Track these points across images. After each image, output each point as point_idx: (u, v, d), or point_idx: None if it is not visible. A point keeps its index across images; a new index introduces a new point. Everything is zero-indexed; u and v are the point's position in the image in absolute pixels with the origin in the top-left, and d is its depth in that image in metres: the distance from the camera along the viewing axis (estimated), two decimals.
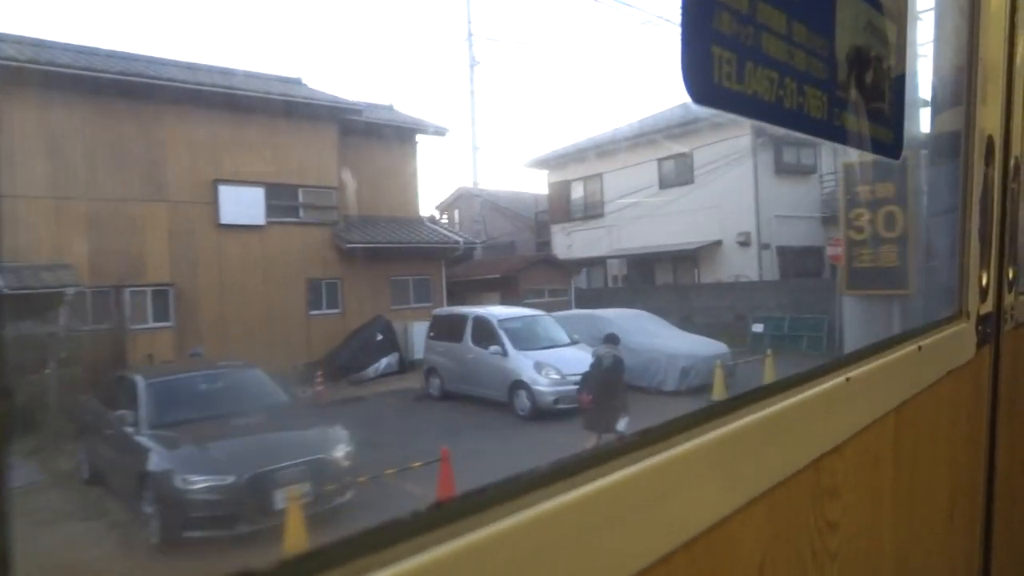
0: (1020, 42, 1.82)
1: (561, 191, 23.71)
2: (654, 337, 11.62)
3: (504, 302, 17.02)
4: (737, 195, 18.57)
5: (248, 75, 12.69)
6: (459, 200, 24.20)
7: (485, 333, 10.87)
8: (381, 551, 0.40)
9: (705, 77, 0.73)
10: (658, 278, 21.06)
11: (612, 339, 7.52)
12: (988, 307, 1.66)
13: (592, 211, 22.72)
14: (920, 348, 1.24)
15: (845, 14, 1.01)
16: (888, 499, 1.17)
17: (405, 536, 0.41)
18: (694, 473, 0.67)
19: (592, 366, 7.42)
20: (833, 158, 18.75)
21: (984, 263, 1.62)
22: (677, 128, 19.15)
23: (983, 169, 1.61)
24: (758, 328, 15.67)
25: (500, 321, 10.94)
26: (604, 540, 0.55)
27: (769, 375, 10.49)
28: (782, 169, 19.16)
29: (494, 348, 10.47)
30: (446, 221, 22.97)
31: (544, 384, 9.68)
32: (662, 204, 20.01)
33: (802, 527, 0.88)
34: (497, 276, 18.15)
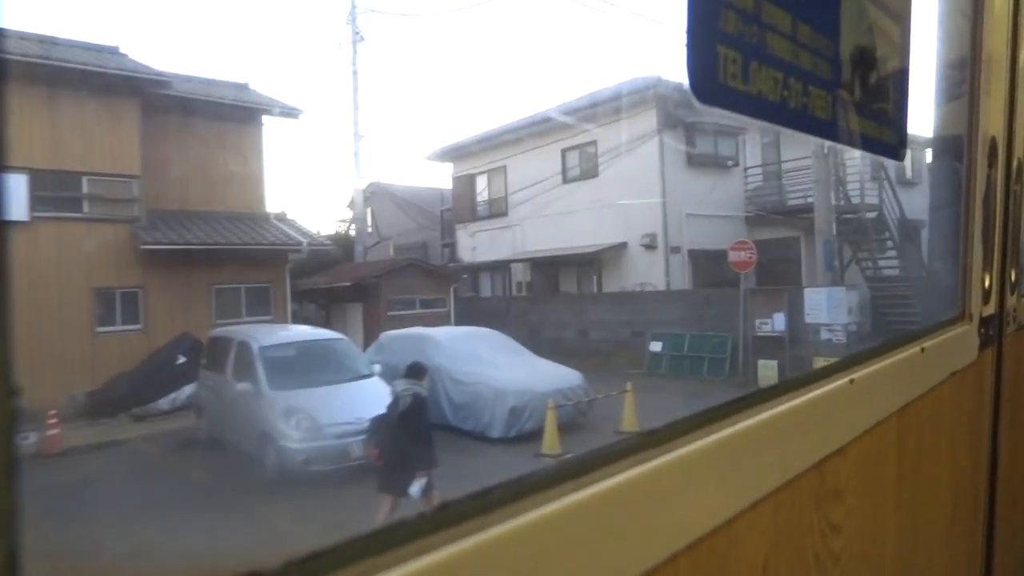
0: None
1: (465, 186, 20.68)
2: (489, 366, 9.26)
3: (367, 315, 14.90)
4: (643, 190, 15.66)
5: (45, 39, 10.03)
6: (374, 197, 21.56)
7: (244, 364, 8.23)
8: (386, 553, 0.39)
9: (710, 76, 0.72)
10: (562, 285, 18.48)
11: (415, 371, 5.73)
12: (991, 309, 1.66)
13: (496, 209, 19.78)
14: (923, 350, 1.24)
15: (849, 14, 1.01)
16: (891, 501, 1.17)
17: (410, 538, 0.41)
18: (698, 475, 0.66)
19: (388, 408, 5.66)
20: (760, 149, 16.78)
21: (987, 265, 1.62)
22: (586, 111, 16.10)
23: (986, 171, 1.61)
24: (656, 347, 13.61)
25: (263, 348, 8.20)
26: (608, 542, 0.55)
27: (628, 420, 8.42)
28: (697, 161, 16.18)
29: (244, 385, 7.97)
30: (368, 220, 20.41)
31: (293, 438, 7.10)
32: (569, 200, 17.14)
33: (805, 529, 0.88)
34: (348, 284, 15.47)
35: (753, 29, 0.78)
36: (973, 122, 1.58)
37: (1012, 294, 1.86)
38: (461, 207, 20.91)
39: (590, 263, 17.08)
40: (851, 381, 0.96)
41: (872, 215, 14.75)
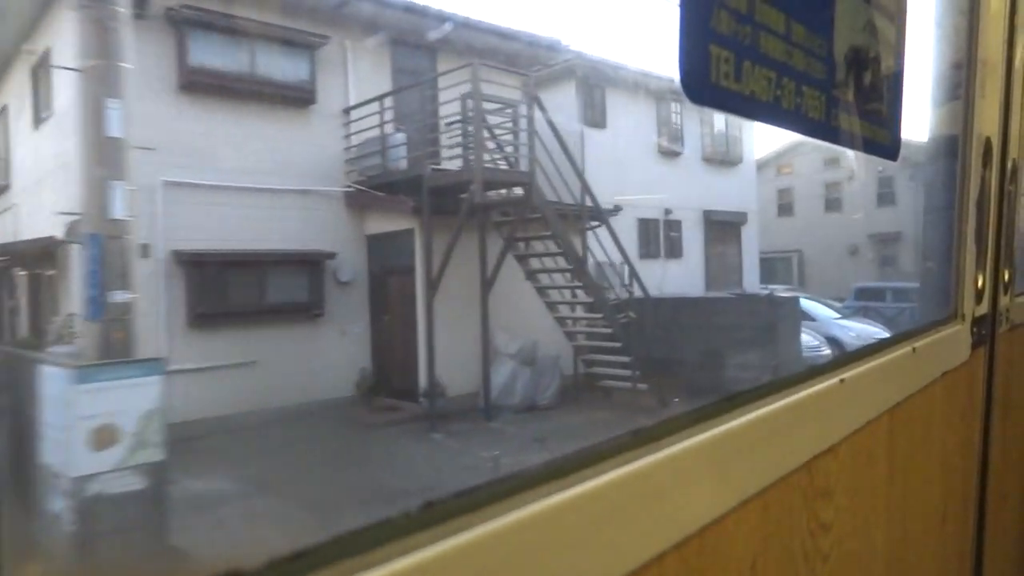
0: (1019, 43, 1.82)
1: None
2: None
3: None
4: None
5: None
6: None
7: None
8: (370, 552, 0.39)
9: (702, 76, 0.72)
10: None
11: None
12: (983, 309, 1.67)
13: None
14: (914, 350, 1.25)
15: (844, 14, 1.01)
16: (881, 500, 1.18)
17: (395, 536, 0.41)
18: (687, 473, 0.67)
19: None
20: (388, 73, 9.30)
21: (980, 265, 1.62)
22: None
23: (980, 171, 1.61)
24: None
25: None
26: (596, 540, 0.55)
27: None
28: (206, 86, 8.08)
29: None
30: None
31: None
32: None
33: (794, 528, 0.88)
34: None
35: (746, 29, 0.78)
36: (968, 123, 1.58)
37: (1005, 294, 1.87)
38: None
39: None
40: (841, 381, 0.96)
41: (519, 192, 8.86)
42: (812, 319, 12.22)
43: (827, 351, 10.91)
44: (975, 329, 1.59)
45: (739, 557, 0.76)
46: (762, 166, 23.67)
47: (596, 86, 12.70)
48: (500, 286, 8.92)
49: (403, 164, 8.94)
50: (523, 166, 8.94)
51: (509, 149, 9.12)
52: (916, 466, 1.35)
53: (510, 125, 8.99)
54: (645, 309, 9.80)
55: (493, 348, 8.90)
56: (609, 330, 9.06)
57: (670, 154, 14.97)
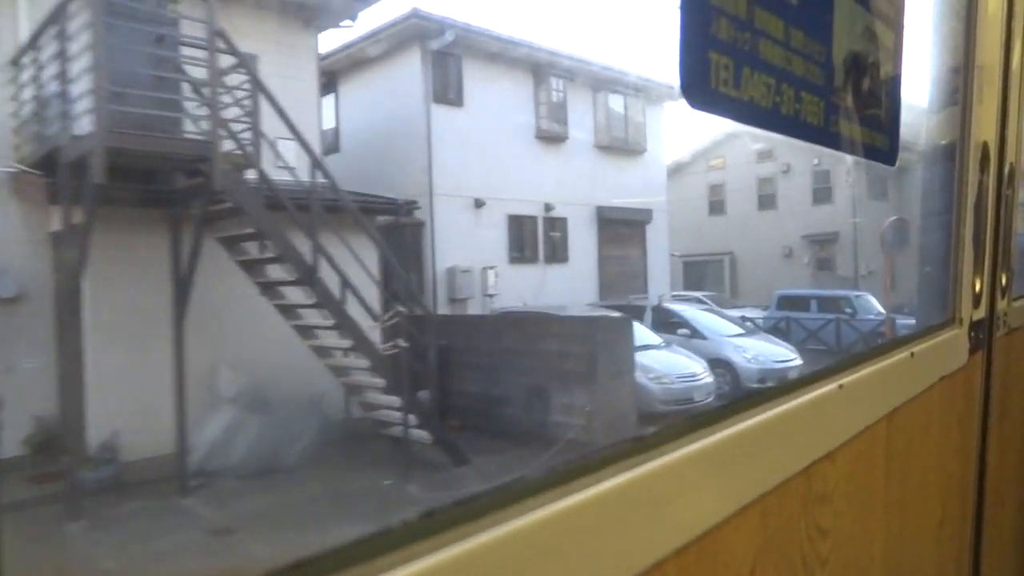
0: (1016, 48, 1.83)
1: None
2: None
3: None
4: None
5: None
6: None
7: None
8: (369, 561, 0.39)
9: (702, 83, 0.72)
10: None
11: None
12: (981, 313, 1.67)
13: None
14: (912, 355, 1.25)
15: (843, 20, 1.01)
16: (879, 506, 1.18)
17: (395, 545, 0.41)
18: (687, 479, 0.67)
19: None
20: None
21: (978, 269, 1.63)
22: None
23: (978, 176, 1.61)
24: None
25: None
26: (595, 547, 0.55)
27: None
28: None
29: None
30: None
31: None
32: None
33: (793, 533, 0.88)
34: None
35: (745, 36, 0.78)
36: (965, 128, 1.58)
37: (1003, 298, 1.87)
38: None
39: None
40: (840, 386, 0.96)
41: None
42: (703, 337, 10.15)
43: (706, 381, 8.67)
44: (973, 333, 1.60)
45: (738, 563, 0.76)
46: (692, 160, 21.75)
47: (450, 55, 10.03)
48: (229, 304, 6.58)
49: (78, 133, 5.59)
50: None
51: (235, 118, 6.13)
52: (913, 471, 1.35)
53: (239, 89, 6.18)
54: (446, 333, 7.89)
55: (208, 389, 6.48)
56: (366, 363, 6.52)
57: (552, 139, 12.43)
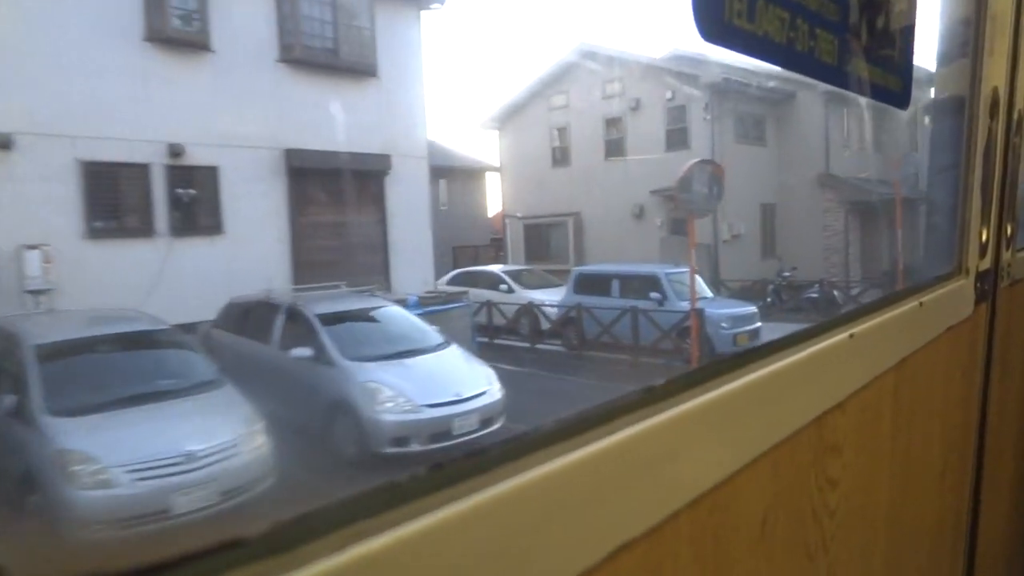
0: None
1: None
2: None
3: None
4: None
5: None
6: None
7: None
8: (377, 515, 0.37)
9: (716, 14, 0.68)
10: None
11: None
12: (987, 264, 1.64)
13: None
14: (921, 304, 1.23)
15: None
16: (885, 456, 1.17)
17: (403, 499, 0.39)
18: (699, 432, 0.65)
19: None
20: None
21: (985, 219, 1.60)
22: None
23: (987, 123, 1.57)
24: None
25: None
26: (609, 501, 0.53)
27: None
28: None
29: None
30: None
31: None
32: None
33: (803, 484, 0.87)
34: None
35: None
36: (976, 76, 1.54)
37: (1007, 249, 1.85)
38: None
39: None
40: (851, 336, 0.94)
41: None
42: (329, 362, 6.09)
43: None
44: (978, 284, 1.58)
45: (750, 514, 0.75)
46: (530, 98, 17.32)
47: None
48: None
49: None
50: None
51: None
52: (919, 421, 1.34)
53: None
54: None
55: None
56: None
57: (184, 45, 7.93)
